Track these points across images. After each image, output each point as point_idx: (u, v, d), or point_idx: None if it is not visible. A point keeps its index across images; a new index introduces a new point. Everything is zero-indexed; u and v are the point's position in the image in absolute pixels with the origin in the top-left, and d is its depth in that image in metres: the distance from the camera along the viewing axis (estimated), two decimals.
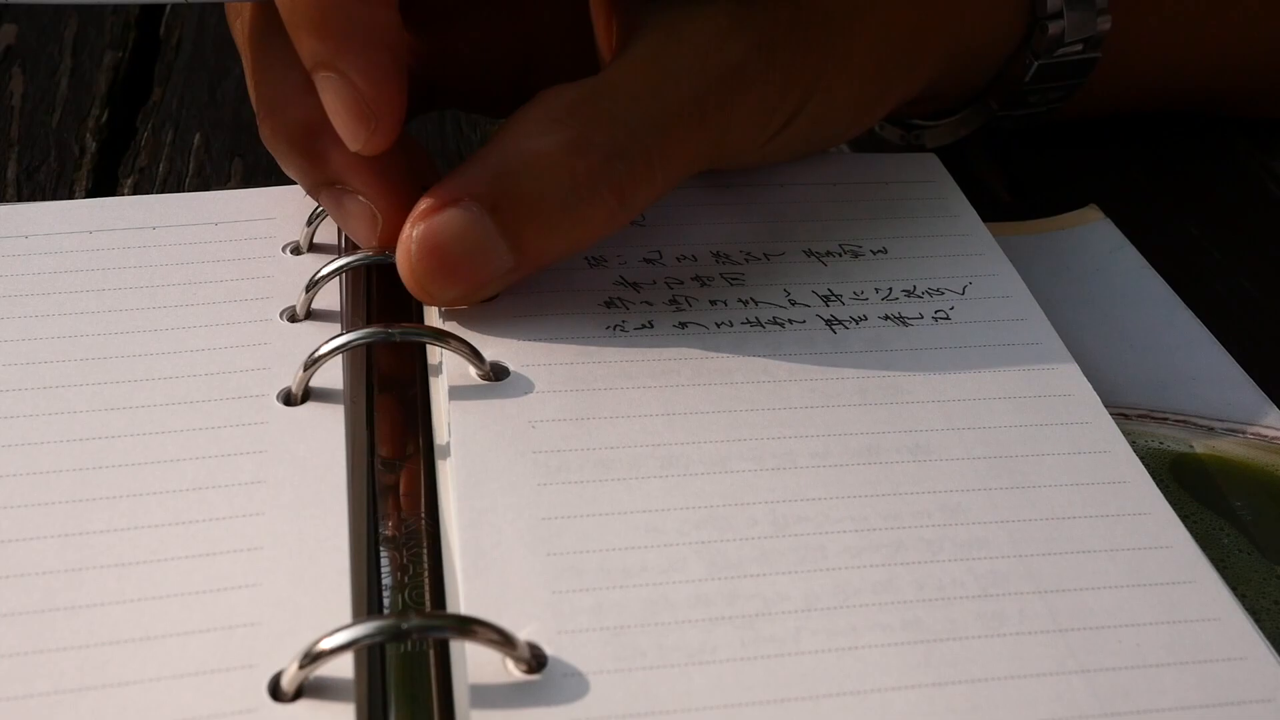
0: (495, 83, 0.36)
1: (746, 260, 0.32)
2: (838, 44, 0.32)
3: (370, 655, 0.23)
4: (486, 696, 0.22)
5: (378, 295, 0.32)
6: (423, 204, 0.28)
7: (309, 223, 0.32)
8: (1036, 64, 0.36)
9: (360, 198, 0.30)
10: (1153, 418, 0.30)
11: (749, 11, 0.30)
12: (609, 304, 0.30)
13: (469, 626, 0.22)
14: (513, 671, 0.22)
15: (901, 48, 0.33)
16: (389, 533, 0.26)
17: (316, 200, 0.31)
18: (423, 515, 0.26)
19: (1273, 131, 0.42)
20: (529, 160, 0.28)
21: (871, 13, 0.32)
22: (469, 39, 0.35)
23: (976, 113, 0.38)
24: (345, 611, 0.23)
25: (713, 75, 0.29)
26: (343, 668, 0.22)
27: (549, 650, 0.22)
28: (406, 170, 0.30)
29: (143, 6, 0.49)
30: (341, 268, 0.30)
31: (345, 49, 0.27)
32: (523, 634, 0.22)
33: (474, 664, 0.22)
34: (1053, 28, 0.35)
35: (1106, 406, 0.28)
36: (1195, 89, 0.41)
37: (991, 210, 0.35)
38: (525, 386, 0.28)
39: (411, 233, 0.28)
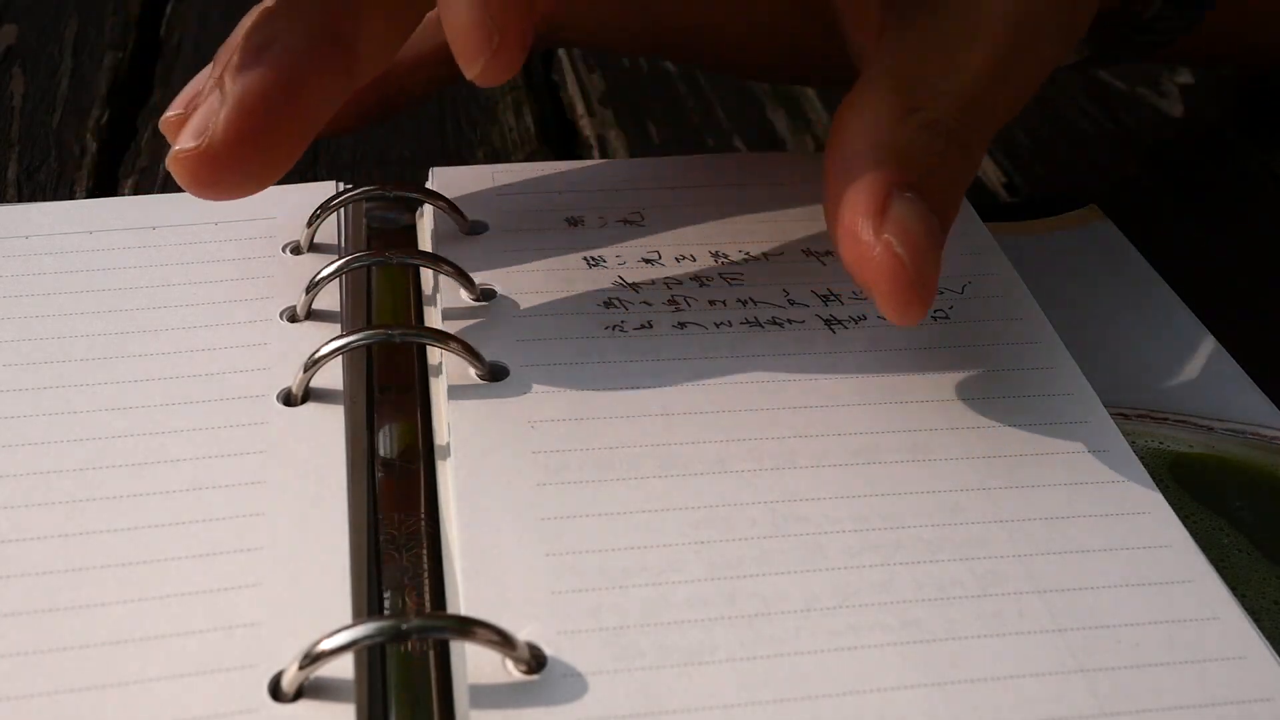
0: (624, 27, 0.35)
1: (745, 260, 0.32)
2: None
3: (370, 656, 0.23)
4: (486, 697, 0.22)
5: (377, 296, 0.32)
6: (858, 208, 0.26)
7: (309, 223, 0.32)
8: None
9: (229, 100, 0.27)
10: (1153, 418, 0.30)
11: None
12: (608, 304, 0.30)
13: (469, 627, 0.22)
14: (512, 672, 0.22)
15: None
16: (389, 533, 0.26)
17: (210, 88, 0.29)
18: (423, 516, 0.26)
19: (1273, 131, 0.42)
20: (907, 137, 0.27)
21: None
22: None
23: (1100, 36, 0.37)
24: (345, 612, 0.23)
25: (1011, 32, 0.28)
26: (343, 668, 0.22)
27: (548, 650, 0.22)
28: (294, 135, 0.28)
29: (143, 4, 0.49)
30: (342, 268, 0.30)
31: None
32: (522, 634, 0.22)
33: (474, 664, 0.22)
34: None
35: (1106, 406, 0.29)
36: None
37: (991, 210, 0.35)
38: (524, 386, 0.28)
39: (885, 238, 0.25)
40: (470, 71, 0.26)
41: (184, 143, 0.27)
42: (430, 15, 0.28)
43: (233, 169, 0.27)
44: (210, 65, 0.31)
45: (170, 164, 0.27)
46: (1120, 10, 0.36)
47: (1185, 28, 0.37)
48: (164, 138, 0.41)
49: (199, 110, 0.27)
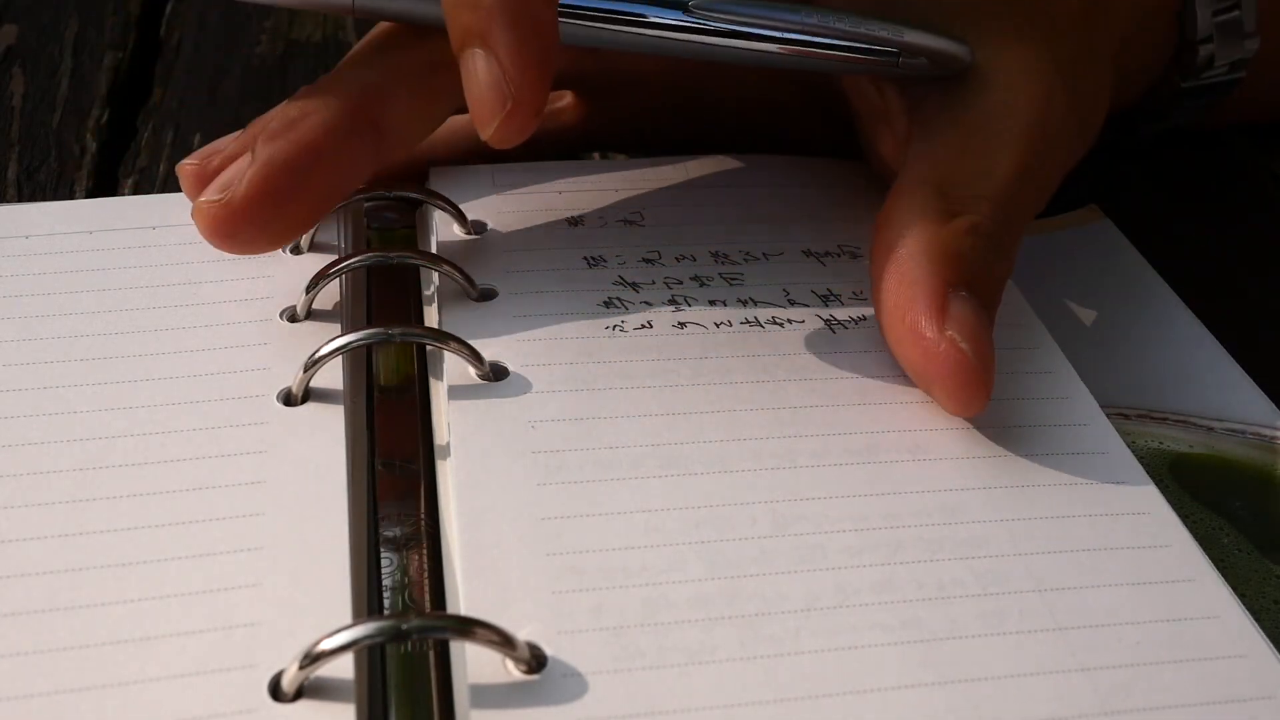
0: (659, 131, 0.38)
1: (745, 260, 0.32)
2: (1107, 75, 0.33)
3: (370, 656, 0.23)
4: (486, 697, 0.22)
5: (377, 296, 0.32)
6: (919, 307, 0.27)
7: None
8: (1183, 86, 0.37)
9: (257, 160, 0.28)
10: (1152, 418, 0.30)
11: (1049, 66, 0.31)
12: (608, 304, 0.30)
13: (469, 627, 0.22)
14: (512, 672, 0.22)
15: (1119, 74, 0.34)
16: (389, 533, 0.26)
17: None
18: (422, 516, 0.26)
19: (1273, 132, 0.42)
20: (954, 240, 0.28)
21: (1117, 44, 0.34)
22: (636, 105, 0.37)
23: (1121, 128, 0.39)
24: (345, 612, 0.23)
25: (1034, 136, 0.30)
26: (343, 668, 0.22)
27: (549, 650, 0.22)
28: (310, 202, 0.29)
29: (143, 5, 0.49)
30: (342, 268, 0.30)
31: (498, 23, 0.27)
32: (522, 634, 0.22)
33: (474, 664, 0.22)
34: (1202, 51, 0.36)
35: (1106, 407, 0.29)
36: None
37: None
38: (524, 386, 0.28)
39: (949, 335, 0.27)
40: (484, 131, 0.27)
41: (209, 195, 0.28)
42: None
43: (250, 224, 0.28)
44: (239, 131, 0.32)
45: (194, 213, 0.28)
46: (1138, 104, 0.38)
47: (1201, 114, 0.39)
48: (163, 137, 0.41)
49: (229, 168, 0.29)
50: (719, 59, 0.30)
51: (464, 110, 0.28)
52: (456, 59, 0.27)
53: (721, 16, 0.29)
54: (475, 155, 0.36)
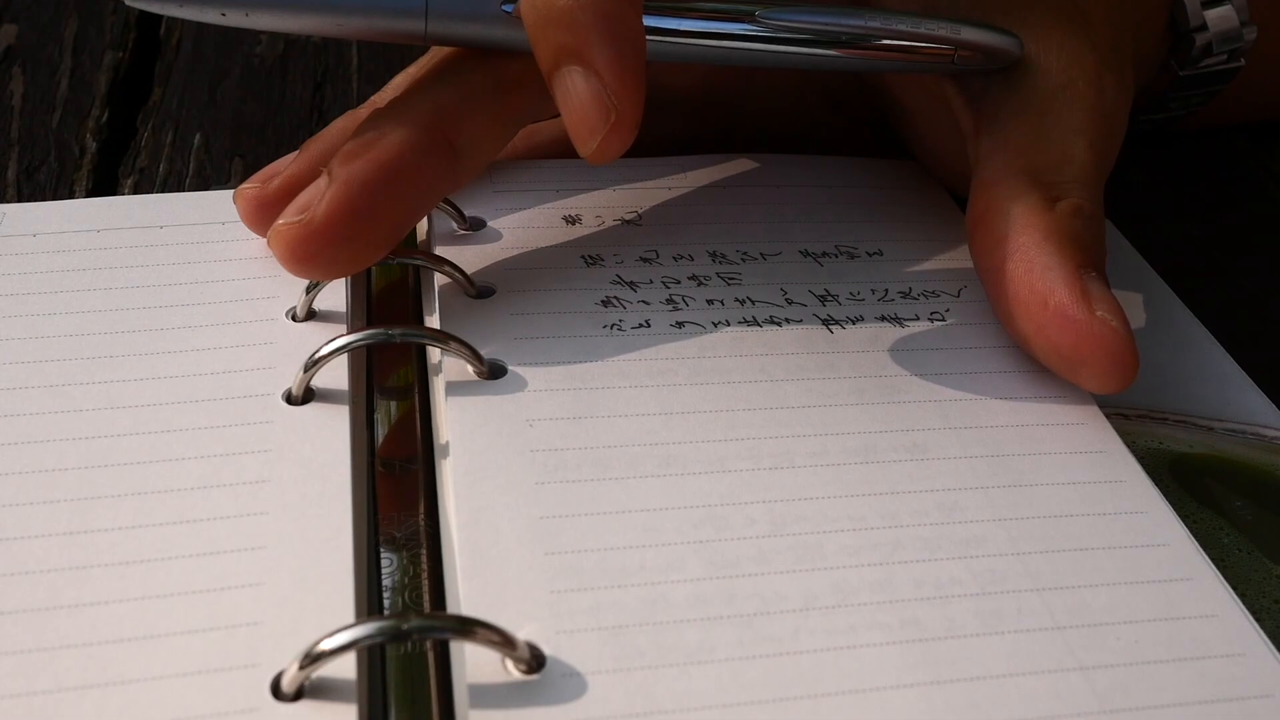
0: (693, 146, 0.37)
1: (743, 260, 0.32)
2: (1129, 63, 0.33)
3: (371, 656, 0.23)
4: (486, 696, 0.22)
5: (377, 295, 0.32)
6: (1064, 291, 0.28)
7: None
8: (1181, 75, 0.37)
9: (335, 182, 0.28)
10: (1152, 418, 0.30)
11: (1092, 53, 0.31)
12: (606, 303, 0.30)
13: (468, 627, 0.22)
14: (512, 671, 0.22)
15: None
16: (389, 533, 0.26)
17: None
18: (422, 516, 0.26)
19: (1273, 131, 0.42)
20: (1067, 223, 0.29)
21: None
22: (675, 124, 0.37)
23: None
24: (347, 612, 0.23)
25: (1097, 120, 0.31)
26: (344, 668, 0.22)
27: (548, 650, 0.22)
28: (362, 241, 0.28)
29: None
30: None
31: (598, 39, 0.27)
32: (522, 634, 0.22)
33: (473, 664, 0.22)
34: (1199, 39, 0.36)
35: (1106, 406, 0.29)
36: None
37: None
38: (522, 385, 0.28)
39: (1100, 315, 0.27)
40: (586, 147, 0.27)
41: (287, 217, 0.28)
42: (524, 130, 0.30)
43: (330, 245, 0.28)
44: (295, 152, 0.32)
45: (271, 238, 0.28)
46: (1138, 94, 0.38)
47: (1201, 104, 0.39)
48: (163, 137, 0.41)
49: (305, 191, 0.28)
50: (784, 65, 0.30)
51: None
52: (548, 78, 0.27)
53: (787, 24, 0.30)
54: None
